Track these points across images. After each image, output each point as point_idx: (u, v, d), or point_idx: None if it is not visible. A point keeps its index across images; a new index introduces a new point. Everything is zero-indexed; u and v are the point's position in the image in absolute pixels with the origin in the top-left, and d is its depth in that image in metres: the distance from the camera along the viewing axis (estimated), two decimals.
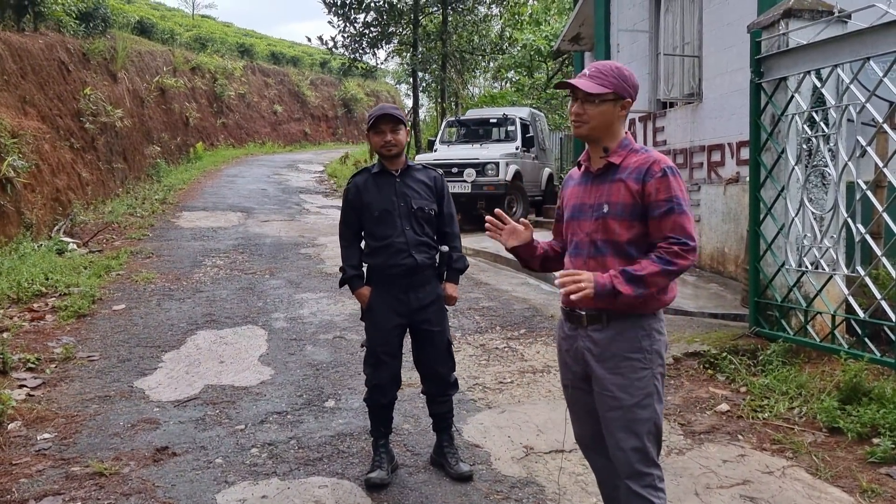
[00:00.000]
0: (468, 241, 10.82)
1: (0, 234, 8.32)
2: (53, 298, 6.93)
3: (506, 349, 5.69)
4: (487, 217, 2.73)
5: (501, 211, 2.75)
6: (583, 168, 2.61)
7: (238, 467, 3.71)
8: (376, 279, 3.56)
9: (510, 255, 8.92)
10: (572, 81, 2.50)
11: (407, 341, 3.66)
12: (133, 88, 16.98)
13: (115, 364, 5.30)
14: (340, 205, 3.75)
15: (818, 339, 4.86)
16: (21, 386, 4.73)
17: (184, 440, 4.04)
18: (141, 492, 3.44)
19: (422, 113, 24.69)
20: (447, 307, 3.69)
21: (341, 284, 3.69)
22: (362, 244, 3.67)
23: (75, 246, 9.43)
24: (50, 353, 5.41)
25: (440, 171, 3.79)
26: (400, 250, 3.47)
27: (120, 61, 15.95)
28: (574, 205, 2.59)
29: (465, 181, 11.70)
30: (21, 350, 5.36)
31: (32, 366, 5.10)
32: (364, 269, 3.64)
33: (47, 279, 7.36)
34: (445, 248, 3.60)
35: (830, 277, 4.83)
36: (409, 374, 4.20)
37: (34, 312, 6.45)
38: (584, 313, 2.51)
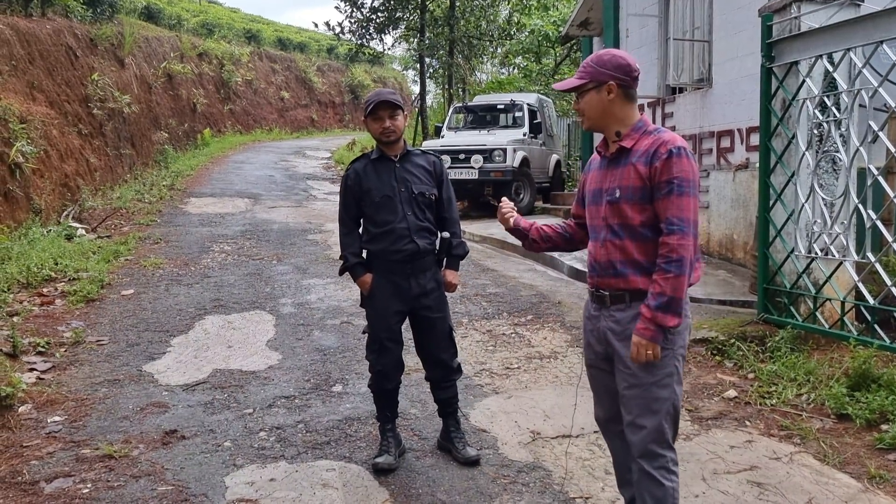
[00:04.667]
0: (475, 228, 10.82)
1: (9, 220, 8.35)
2: (63, 283, 6.96)
3: (513, 335, 5.69)
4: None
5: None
6: (601, 154, 2.67)
7: (246, 450, 3.74)
8: (377, 265, 3.55)
9: (517, 242, 8.94)
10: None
11: (406, 327, 3.66)
12: (140, 74, 16.97)
13: (124, 348, 5.33)
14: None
15: (827, 326, 4.84)
16: (31, 369, 4.76)
17: (192, 423, 4.07)
18: (150, 474, 3.47)
19: (429, 99, 24.61)
20: (448, 293, 3.68)
21: (342, 272, 3.68)
22: (360, 230, 3.66)
23: (84, 231, 9.46)
24: (59, 337, 5.44)
25: (438, 155, 3.78)
26: (402, 236, 3.47)
27: (127, 47, 15.93)
28: (592, 190, 2.65)
29: (472, 167, 11.66)
30: (31, 334, 5.39)
31: (42, 349, 5.13)
32: (364, 256, 3.63)
33: (56, 264, 7.39)
34: (446, 235, 3.59)
35: (840, 264, 4.80)
36: (416, 360, 4.20)
37: (44, 297, 6.49)
38: (607, 293, 2.56)
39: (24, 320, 5.76)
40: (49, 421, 4.07)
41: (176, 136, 18.93)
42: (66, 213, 10.09)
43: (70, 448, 3.74)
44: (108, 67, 14.58)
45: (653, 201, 2.44)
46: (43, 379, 4.66)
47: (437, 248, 3.59)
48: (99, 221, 10.24)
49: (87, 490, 3.31)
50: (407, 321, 3.66)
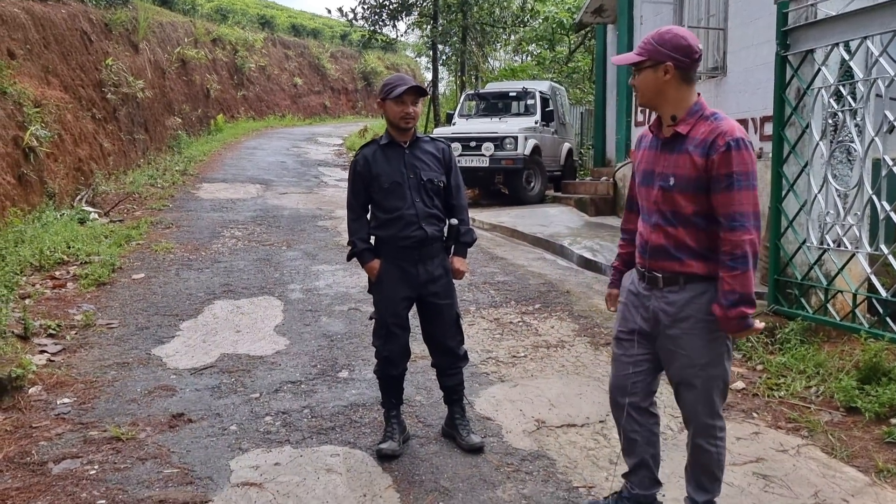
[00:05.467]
0: (485, 216, 10.78)
1: (24, 203, 8.40)
2: (75, 267, 7.01)
3: (520, 323, 5.68)
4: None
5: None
6: (653, 133, 2.66)
7: (252, 434, 3.75)
8: (385, 252, 3.55)
9: (527, 230, 8.93)
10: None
11: (414, 314, 3.65)
12: (154, 59, 17.00)
13: (134, 332, 5.36)
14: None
15: (838, 318, 4.79)
16: (42, 351, 4.80)
17: (199, 407, 4.09)
18: (156, 457, 3.49)
19: (442, 86, 24.51)
20: (455, 281, 3.67)
21: (350, 258, 3.67)
22: (368, 216, 3.65)
23: (97, 215, 9.51)
24: (70, 320, 5.48)
25: (447, 142, 3.75)
26: (410, 222, 3.46)
27: (141, 32, 15.95)
28: (644, 170, 2.66)
29: (483, 155, 11.60)
30: (42, 316, 5.43)
31: (53, 332, 5.17)
32: (372, 242, 3.62)
33: (69, 248, 7.43)
34: (455, 222, 3.58)
35: (853, 255, 4.74)
36: (422, 347, 4.19)
37: (56, 280, 6.53)
38: (660, 275, 2.61)
39: (36, 303, 5.81)
40: (58, 403, 4.10)
41: (189, 121, 18.99)
42: (79, 197, 10.14)
43: (78, 430, 3.77)
44: (123, 52, 14.61)
45: (708, 192, 2.45)
46: (53, 361, 4.70)
47: (446, 235, 3.59)
48: (112, 206, 10.30)
49: (93, 471, 3.34)
50: (414, 309, 3.65)
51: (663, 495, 3.00)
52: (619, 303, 2.89)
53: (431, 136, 3.74)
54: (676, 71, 2.47)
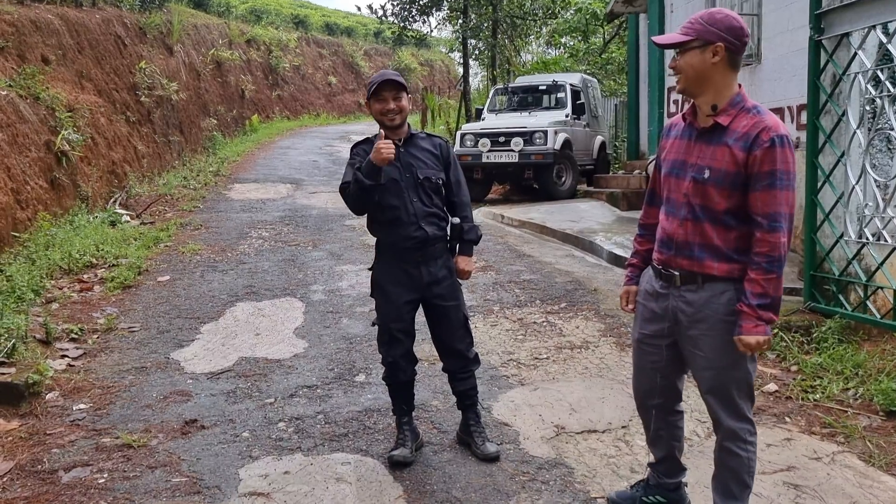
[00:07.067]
0: (515, 212, 10.61)
1: (56, 207, 8.53)
2: (103, 269, 7.07)
3: (544, 324, 5.52)
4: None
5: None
6: (687, 121, 2.53)
7: (264, 441, 3.69)
8: (386, 254, 3.45)
9: (556, 226, 8.74)
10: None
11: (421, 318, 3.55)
12: (189, 61, 17.20)
13: (155, 335, 5.36)
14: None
15: (879, 316, 4.54)
16: (63, 356, 4.82)
17: (213, 413, 4.05)
18: (166, 465, 3.45)
19: (475, 82, 24.35)
20: (464, 280, 3.56)
21: (355, 184, 3.27)
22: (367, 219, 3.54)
23: (128, 218, 9.62)
24: (93, 324, 5.50)
25: (445, 138, 3.64)
26: (409, 223, 3.34)
27: (176, 35, 16.16)
28: (674, 160, 2.54)
29: (512, 150, 11.41)
30: (66, 320, 5.46)
31: (75, 336, 5.18)
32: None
33: (98, 250, 7.50)
34: (457, 220, 3.46)
35: (894, 249, 4.48)
36: None
37: (83, 283, 6.59)
38: (677, 273, 2.52)
39: (62, 306, 5.85)
40: (74, 408, 4.10)
41: (225, 122, 19.19)
42: (113, 199, 10.28)
43: (91, 436, 3.76)
44: (157, 55, 14.81)
45: (745, 189, 2.34)
46: (73, 366, 4.71)
47: (449, 234, 3.47)
48: (144, 208, 10.42)
49: (102, 480, 3.31)
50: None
51: (686, 483, 2.94)
52: (637, 303, 2.80)
53: (428, 131, 3.63)
54: (726, 54, 2.36)
